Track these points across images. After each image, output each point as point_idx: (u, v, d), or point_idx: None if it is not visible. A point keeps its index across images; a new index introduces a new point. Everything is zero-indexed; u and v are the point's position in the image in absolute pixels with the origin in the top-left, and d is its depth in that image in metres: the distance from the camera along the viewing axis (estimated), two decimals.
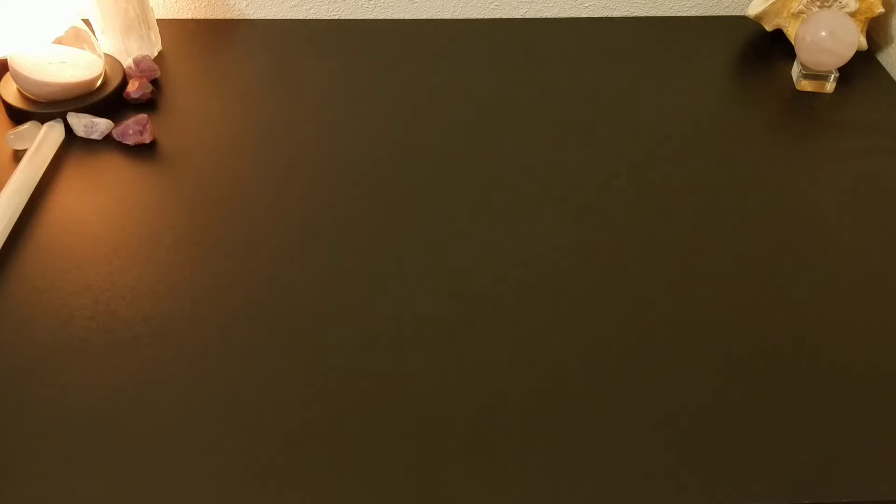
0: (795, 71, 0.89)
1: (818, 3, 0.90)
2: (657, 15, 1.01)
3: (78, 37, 0.79)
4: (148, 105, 0.83)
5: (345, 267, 0.66)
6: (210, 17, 0.98)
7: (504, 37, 0.96)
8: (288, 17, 0.98)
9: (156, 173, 0.75)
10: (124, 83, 0.83)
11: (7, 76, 0.81)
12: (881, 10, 0.90)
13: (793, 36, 0.92)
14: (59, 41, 0.78)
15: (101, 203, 0.72)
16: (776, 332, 0.63)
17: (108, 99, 0.80)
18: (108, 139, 0.78)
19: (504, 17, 1.00)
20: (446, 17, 0.99)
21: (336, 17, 0.98)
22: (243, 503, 0.51)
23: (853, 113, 0.85)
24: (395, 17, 0.99)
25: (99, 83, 0.81)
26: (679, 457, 0.54)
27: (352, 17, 0.98)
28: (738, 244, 0.70)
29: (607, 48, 0.94)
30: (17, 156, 0.75)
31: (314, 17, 0.98)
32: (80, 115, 0.78)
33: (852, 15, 0.90)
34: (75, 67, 0.78)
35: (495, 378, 0.59)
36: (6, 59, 0.78)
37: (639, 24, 0.99)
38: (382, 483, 0.52)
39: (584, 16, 1.00)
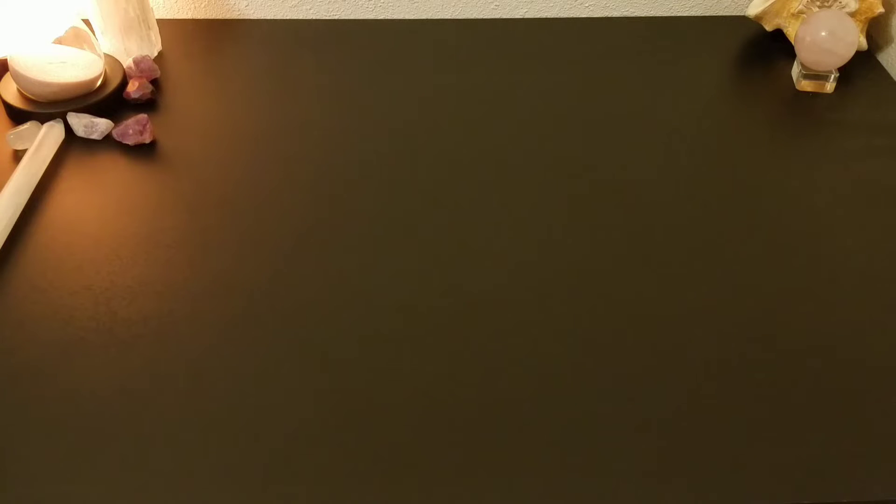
0: (795, 71, 0.89)
1: (818, 3, 0.90)
2: (657, 15, 1.01)
3: (78, 37, 0.79)
4: (148, 105, 0.83)
5: (345, 265, 0.66)
6: (210, 17, 0.98)
7: (504, 37, 0.96)
8: (288, 17, 0.98)
9: (156, 173, 0.75)
10: (124, 83, 0.83)
11: (7, 76, 0.81)
12: (881, 10, 0.90)
13: (793, 36, 0.92)
14: (59, 41, 0.78)
15: (101, 203, 0.72)
16: (776, 332, 0.62)
17: (108, 99, 0.80)
18: (108, 139, 0.78)
19: (504, 17, 1.00)
20: (446, 17, 0.99)
21: (336, 17, 0.98)
22: (243, 503, 0.51)
23: (853, 113, 0.85)
24: (395, 17, 0.99)
25: (99, 83, 0.81)
26: (679, 457, 0.54)
27: (352, 17, 0.98)
28: (737, 243, 0.70)
29: (607, 48, 0.94)
30: (17, 156, 0.75)
31: (314, 17, 0.98)
32: (80, 115, 0.78)
33: (852, 15, 0.90)
34: (75, 67, 0.78)
35: (494, 376, 0.59)
36: (6, 59, 0.78)
37: (639, 24, 0.99)
38: (382, 482, 0.52)
39: (584, 16, 1.00)
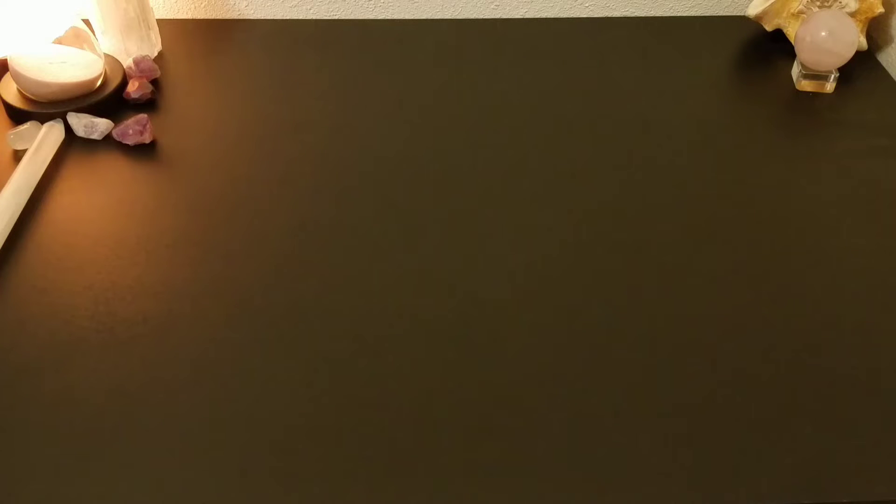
0: (795, 71, 0.89)
1: (818, 3, 0.90)
2: (657, 15, 1.01)
3: (78, 37, 0.79)
4: (148, 105, 0.83)
5: (344, 266, 0.66)
6: (210, 17, 0.98)
7: (504, 37, 0.96)
8: (288, 17, 0.98)
9: (156, 173, 0.75)
10: (124, 83, 0.83)
11: (7, 76, 0.81)
12: (881, 10, 0.90)
13: (793, 36, 0.92)
14: (59, 41, 0.78)
15: (101, 203, 0.72)
16: (776, 332, 0.63)
17: (108, 99, 0.80)
18: (108, 139, 0.78)
19: (504, 17, 1.00)
20: (446, 17, 0.99)
21: (336, 17, 0.98)
22: (243, 503, 0.51)
23: (853, 113, 0.85)
24: (395, 17, 0.99)
25: (99, 83, 0.81)
26: (679, 457, 0.54)
27: (352, 17, 0.98)
28: (737, 244, 0.70)
29: (607, 48, 0.94)
30: (17, 156, 0.75)
31: (314, 17, 0.98)
32: (80, 115, 0.78)
33: (852, 15, 0.90)
34: (75, 67, 0.78)
35: (494, 379, 0.59)
36: (6, 59, 0.78)
37: (639, 24, 0.99)
38: (382, 483, 0.52)
39: (584, 16, 1.00)
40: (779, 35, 0.95)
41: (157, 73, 0.85)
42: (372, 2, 0.97)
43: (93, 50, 0.80)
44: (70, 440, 0.54)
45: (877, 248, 0.70)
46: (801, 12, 0.91)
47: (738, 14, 1.01)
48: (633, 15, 1.00)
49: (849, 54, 0.85)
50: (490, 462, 0.53)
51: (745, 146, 0.80)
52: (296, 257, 0.67)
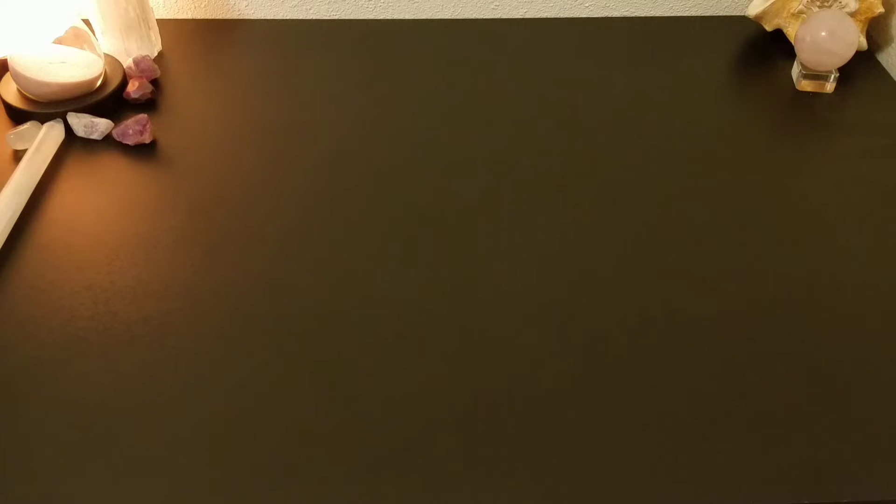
0: (795, 71, 0.89)
1: (818, 3, 0.90)
2: (657, 15, 1.01)
3: (78, 37, 0.79)
4: (148, 105, 0.83)
5: (344, 266, 0.66)
6: (210, 17, 0.98)
7: (504, 37, 0.96)
8: (288, 17, 0.98)
9: (156, 173, 0.75)
10: (124, 83, 0.83)
11: (7, 76, 0.81)
12: (881, 10, 0.90)
13: (793, 36, 0.92)
14: (59, 41, 0.78)
15: (101, 203, 0.72)
16: (775, 332, 0.63)
17: (108, 99, 0.80)
18: (108, 139, 0.78)
19: (504, 17, 1.00)
20: (446, 17, 0.99)
21: (336, 17, 0.98)
22: (243, 503, 0.51)
23: (853, 113, 0.85)
24: (395, 17, 0.99)
25: (99, 83, 0.81)
26: (678, 457, 0.54)
27: (352, 17, 0.98)
28: (737, 244, 0.70)
29: (607, 48, 0.94)
30: (17, 156, 0.75)
31: (314, 17, 0.98)
32: (80, 115, 0.78)
33: (852, 15, 0.90)
34: (75, 67, 0.78)
35: (494, 378, 0.59)
36: (6, 59, 0.78)
37: (639, 24, 0.99)
38: (382, 483, 0.52)
39: (584, 16, 1.00)
40: (779, 35, 0.95)
41: (157, 73, 0.85)
42: (372, 2, 0.97)
43: (93, 50, 0.80)
44: (69, 440, 0.54)
45: (876, 247, 0.70)
46: (801, 12, 0.91)
47: (738, 14, 1.01)
48: (633, 15, 1.00)
49: (849, 54, 0.85)
50: (490, 462, 0.53)
51: (744, 146, 0.80)
52: (296, 257, 0.67)
